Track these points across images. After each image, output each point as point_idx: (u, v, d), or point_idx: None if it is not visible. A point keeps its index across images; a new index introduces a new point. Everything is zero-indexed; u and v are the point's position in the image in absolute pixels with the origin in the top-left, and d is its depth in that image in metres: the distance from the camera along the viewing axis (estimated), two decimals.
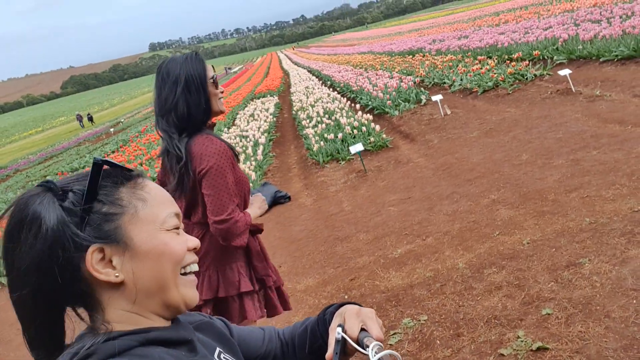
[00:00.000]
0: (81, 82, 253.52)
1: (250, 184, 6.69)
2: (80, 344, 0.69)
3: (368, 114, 9.67)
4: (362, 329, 0.83)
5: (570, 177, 4.17)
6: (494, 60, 11.25)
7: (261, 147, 8.83)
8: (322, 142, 7.82)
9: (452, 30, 25.62)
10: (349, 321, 0.84)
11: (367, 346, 0.77)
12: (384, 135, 7.66)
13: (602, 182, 3.86)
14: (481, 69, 10.19)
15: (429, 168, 5.83)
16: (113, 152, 17.37)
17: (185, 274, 0.79)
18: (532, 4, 29.44)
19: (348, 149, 7.65)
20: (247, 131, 10.62)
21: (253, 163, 7.46)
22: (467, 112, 8.20)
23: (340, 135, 7.88)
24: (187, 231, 1.50)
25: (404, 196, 5.12)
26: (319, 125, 9.34)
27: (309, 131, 9.01)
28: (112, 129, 28.99)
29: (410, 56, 19.13)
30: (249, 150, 8.51)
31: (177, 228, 0.79)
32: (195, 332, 0.85)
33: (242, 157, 8.14)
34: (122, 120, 34.63)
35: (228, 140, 9.44)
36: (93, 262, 0.70)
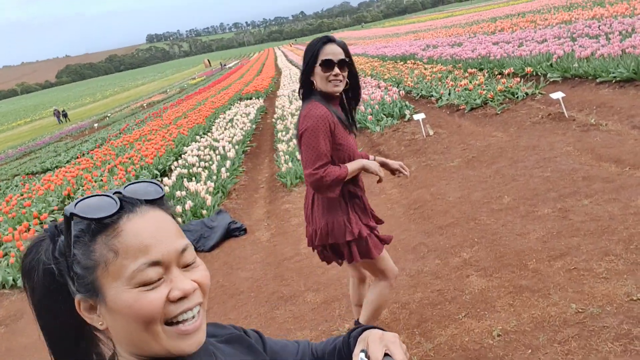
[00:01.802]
0: (77, 71, 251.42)
1: (204, 211, 6.02)
2: None
3: None
4: (386, 354, 0.82)
5: (556, 236, 3.52)
6: (483, 75, 10.61)
7: (228, 162, 8.13)
8: (290, 163, 7.13)
9: (447, 36, 24.98)
10: (372, 346, 0.83)
11: None
12: None
13: (593, 248, 3.22)
14: (470, 83, 9.54)
15: (400, 204, 5.16)
16: (88, 152, 16.63)
17: (174, 323, 0.74)
18: (530, 11, 28.88)
19: None
20: (218, 141, 9.91)
21: (212, 184, 6.77)
22: (451, 133, 7.55)
23: None
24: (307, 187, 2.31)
25: None
26: (294, 140, 8.65)
27: (281, 147, 8.33)
28: (96, 125, 28.20)
29: (402, 62, 18.49)
30: (214, 167, 7.81)
31: (153, 282, 0.72)
32: (224, 345, 0.90)
33: (203, 175, 7.45)
34: (109, 114, 33.78)
35: (194, 152, 8.60)
36: (82, 309, 0.74)
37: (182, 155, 9.84)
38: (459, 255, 3.64)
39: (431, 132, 7.67)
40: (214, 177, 7.41)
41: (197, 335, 0.75)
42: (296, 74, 26.84)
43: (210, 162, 8.23)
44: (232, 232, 5.54)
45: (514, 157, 5.64)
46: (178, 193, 6.71)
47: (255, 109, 15.08)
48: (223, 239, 5.50)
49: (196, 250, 4.52)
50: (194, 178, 7.70)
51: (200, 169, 7.83)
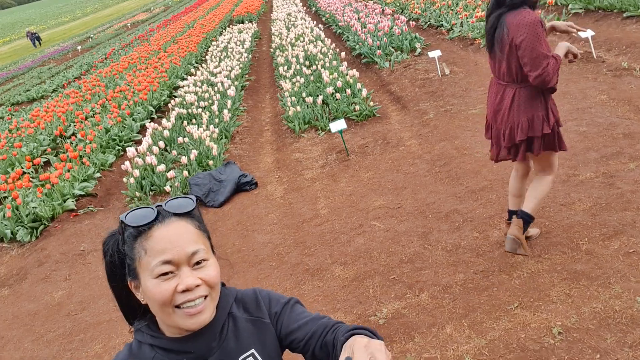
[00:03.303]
0: None
1: (211, 161, 5.67)
2: (138, 324, 1.06)
3: (355, 66, 8.47)
4: None
5: (605, 209, 3.26)
6: None
7: (229, 101, 7.64)
8: (298, 107, 6.68)
9: None
10: (357, 354, 0.84)
11: None
12: (372, 103, 6.55)
13: None
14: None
15: (423, 159, 4.84)
16: (74, 80, 15.81)
17: (182, 307, 0.95)
18: None
19: (329, 116, 6.57)
20: (216, 76, 9.32)
21: (215, 130, 6.34)
22: (468, 72, 7.08)
23: (320, 98, 6.74)
24: (499, 91, 2.76)
25: (393, 203, 4.17)
26: (297, 76, 8.11)
27: (286, 85, 7.81)
28: (79, 47, 26.78)
29: None
30: (215, 107, 7.33)
31: (167, 273, 0.94)
32: (250, 324, 1.09)
33: (204, 118, 7.00)
34: (92, 35, 32.05)
35: (191, 88, 8.21)
36: (132, 287, 1.01)
37: (178, 90, 9.29)
38: (499, 228, 3.39)
39: (447, 71, 7.19)
40: (216, 120, 6.97)
41: (199, 317, 0.96)
42: None
43: (210, 102, 7.73)
44: (243, 187, 5.23)
45: None
46: (180, 139, 6.30)
47: (249, 35, 14.21)
48: (233, 193, 5.19)
49: (206, 206, 4.21)
50: (194, 119, 7.25)
51: (200, 110, 7.36)
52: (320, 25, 12.87)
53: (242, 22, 18.27)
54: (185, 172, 5.38)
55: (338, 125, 5.31)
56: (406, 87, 7.22)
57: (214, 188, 5.16)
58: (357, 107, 6.32)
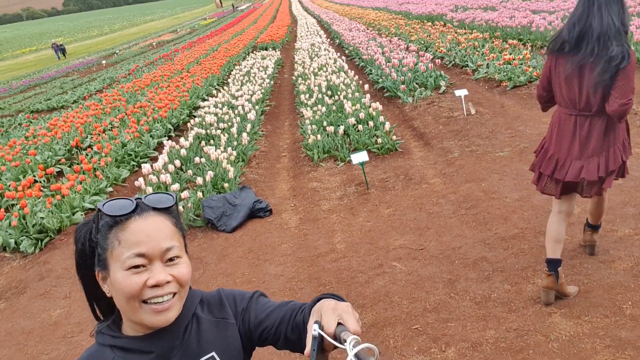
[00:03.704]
0: (84, 0, 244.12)
1: (226, 184, 5.50)
2: (100, 325, 1.05)
3: (378, 100, 8.35)
4: (339, 324, 0.84)
5: None
6: (527, 49, 9.82)
7: (249, 125, 7.53)
8: (318, 135, 6.53)
9: None
10: (325, 317, 0.85)
11: (345, 340, 0.79)
12: (394, 137, 6.39)
13: None
14: (514, 57, 8.77)
15: (448, 199, 4.63)
16: (96, 93, 15.91)
17: (149, 302, 0.94)
18: None
19: (349, 147, 6.40)
20: (237, 99, 9.25)
21: (233, 152, 6.19)
22: (494, 114, 6.91)
23: (341, 128, 6.60)
24: (587, 123, 2.66)
25: (415, 244, 3.95)
26: (319, 105, 8.01)
27: (307, 113, 7.69)
28: (104, 61, 27.22)
29: (429, 22, 17.45)
30: (234, 130, 7.21)
31: (139, 266, 0.93)
32: (213, 326, 1.08)
33: (223, 139, 6.86)
34: (118, 51, 32.64)
35: (211, 109, 8.13)
36: (99, 278, 0.99)
37: (198, 110, 9.22)
38: (533, 282, 3.14)
39: (473, 111, 7.03)
40: (234, 143, 6.83)
41: (166, 314, 0.96)
42: (313, 24, 25.61)
43: (230, 124, 7.62)
44: (257, 213, 5.03)
45: None
46: (197, 159, 6.15)
47: (272, 62, 14.26)
48: (247, 218, 4.99)
49: (217, 230, 4.00)
50: (212, 140, 7.12)
51: (219, 131, 7.24)
52: (343, 57, 12.87)
53: (266, 49, 18.43)
54: (200, 193, 5.21)
55: (360, 157, 5.14)
56: (430, 123, 7.06)
57: (227, 212, 4.97)
58: (379, 140, 6.16)
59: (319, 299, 0.97)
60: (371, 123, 6.57)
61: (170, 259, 0.96)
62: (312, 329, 0.83)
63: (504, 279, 3.22)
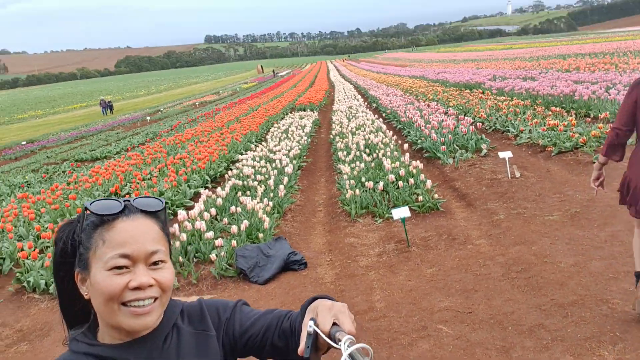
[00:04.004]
0: (135, 63, 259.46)
1: (261, 234, 5.36)
2: (74, 332, 1.00)
3: (417, 160, 8.22)
4: (335, 324, 0.84)
5: None
6: (572, 115, 9.64)
7: (286, 178, 7.48)
8: (357, 190, 6.39)
9: (513, 68, 23.88)
10: (321, 315, 0.85)
11: (339, 340, 0.79)
12: (436, 195, 6.19)
13: None
14: (558, 125, 8.58)
15: (495, 261, 4.34)
16: (138, 145, 16.40)
17: (128, 305, 0.90)
18: (602, 52, 27.36)
19: (388, 204, 6.22)
20: (275, 153, 9.30)
21: (270, 203, 6.09)
22: (540, 178, 6.65)
23: (380, 184, 6.45)
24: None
25: (462, 307, 3.65)
26: (357, 162, 7.93)
27: (345, 169, 7.61)
28: (148, 118, 28.36)
29: (468, 90, 17.57)
30: (271, 182, 7.16)
31: (122, 267, 0.90)
32: (193, 338, 1.03)
33: (259, 190, 6.80)
34: (162, 109, 34.07)
35: (249, 162, 8.17)
36: (78, 280, 0.95)
37: (235, 163, 9.29)
38: (598, 354, 2.80)
39: (517, 174, 6.79)
40: (271, 194, 6.76)
41: (145, 318, 0.91)
42: (350, 89, 26.23)
43: (267, 176, 7.60)
44: (291, 265, 4.84)
45: (631, 221, 4.73)
46: (232, 208, 6.07)
47: (310, 121, 14.48)
48: (280, 270, 4.80)
49: (249, 281, 3.81)
50: (248, 191, 7.08)
51: (256, 183, 7.20)
52: (380, 119, 12.96)
53: (304, 110, 18.83)
54: (234, 242, 5.07)
55: (401, 212, 4.94)
56: (472, 185, 6.84)
57: (261, 263, 4.79)
58: (420, 198, 5.96)
59: (314, 299, 0.95)
60: (411, 180, 6.41)
61: (155, 263, 0.93)
62: (308, 326, 0.84)
63: (565, 349, 2.89)
